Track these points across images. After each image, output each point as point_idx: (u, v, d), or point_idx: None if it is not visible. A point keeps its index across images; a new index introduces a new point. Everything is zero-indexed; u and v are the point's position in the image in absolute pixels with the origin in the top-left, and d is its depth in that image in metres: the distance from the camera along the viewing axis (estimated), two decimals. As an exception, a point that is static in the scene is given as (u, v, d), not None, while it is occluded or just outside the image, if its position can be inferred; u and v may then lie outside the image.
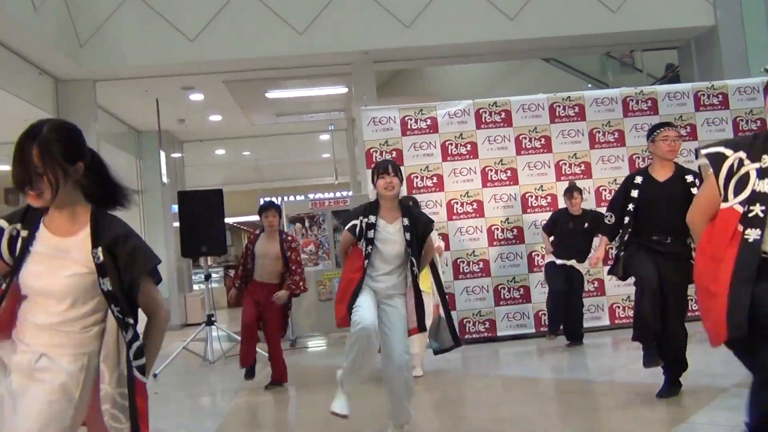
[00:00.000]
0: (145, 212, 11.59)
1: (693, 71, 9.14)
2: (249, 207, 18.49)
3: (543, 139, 7.33)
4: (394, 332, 3.66)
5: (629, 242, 4.29)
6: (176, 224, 9.23)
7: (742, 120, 7.44)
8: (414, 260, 3.73)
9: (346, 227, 3.75)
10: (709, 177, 2.30)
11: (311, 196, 12.81)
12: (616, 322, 7.20)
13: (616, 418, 4.11)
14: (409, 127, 7.30)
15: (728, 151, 2.26)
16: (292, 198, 16.14)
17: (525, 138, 7.30)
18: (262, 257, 5.73)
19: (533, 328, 7.16)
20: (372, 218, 3.72)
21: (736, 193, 2.20)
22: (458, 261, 7.14)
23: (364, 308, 3.55)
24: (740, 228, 2.16)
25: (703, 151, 2.35)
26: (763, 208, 2.14)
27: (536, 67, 11.31)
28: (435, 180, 7.22)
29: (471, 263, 7.20)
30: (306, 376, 6.22)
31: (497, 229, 7.24)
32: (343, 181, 14.62)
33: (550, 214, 6.97)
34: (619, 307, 7.22)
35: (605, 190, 7.26)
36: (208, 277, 7.82)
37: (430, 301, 5.46)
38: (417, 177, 7.22)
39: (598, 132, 7.37)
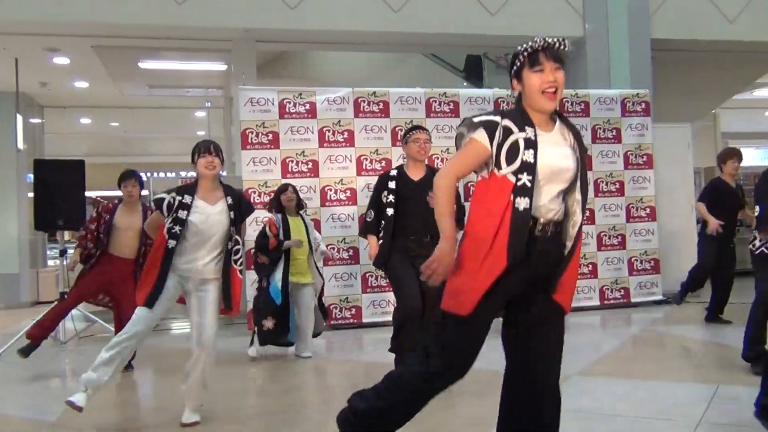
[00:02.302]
0: (-4, 178, 10.76)
1: (561, 79, 9.66)
2: (114, 181, 17.61)
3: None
4: (206, 318, 3.71)
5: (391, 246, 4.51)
6: (31, 194, 8.64)
7: (600, 128, 7.99)
8: (239, 239, 3.80)
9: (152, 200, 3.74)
10: (471, 141, 2.34)
11: (183, 173, 12.40)
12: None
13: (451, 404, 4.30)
14: (287, 110, 7.23)
15: (497, 118, 2.35)
16: (162, 174, 15.54)
17: (401, 130, 7.42)
18: (124, 230, 5.45)
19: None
20: (188, 198, 3.69)
21: (509, 162, 2.29)
22: (329, 247, 7.16)
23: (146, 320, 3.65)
24: (511, 198, 2.26)
25: (475, 120, 2.39)
26: (530, 177, 2.26)
27: (416, 61, 11.55)
28: (310, 165, 7.20)
29: (341, 250, 7.26)
30: (163, 359, 6.05)
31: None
32: (218, 160, 14.24)
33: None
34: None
35: (474, 186, 7.53)
36: (63, 253, 7.35)
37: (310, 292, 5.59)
38: (292, 161, 7.17)
39: (471, 129, 7.63)
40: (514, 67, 2.44)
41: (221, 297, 3.81)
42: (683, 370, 4.96)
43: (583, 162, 2.40)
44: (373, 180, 7.55)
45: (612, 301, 7.95)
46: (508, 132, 2.31)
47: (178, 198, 3.70)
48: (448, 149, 7.54)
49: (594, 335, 6.50)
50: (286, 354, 5.88)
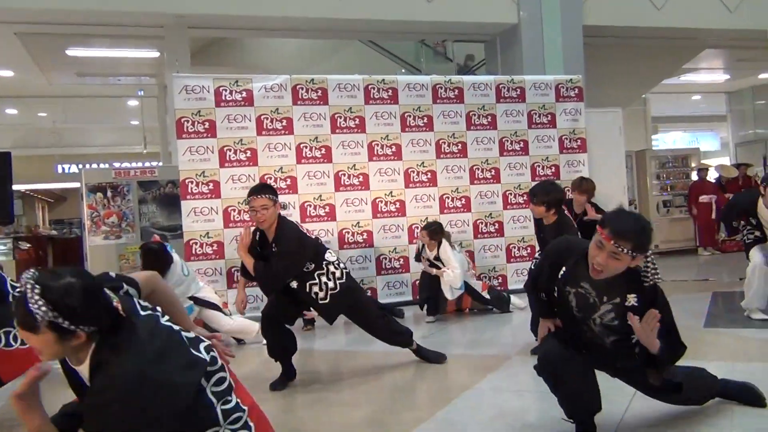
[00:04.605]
0: None
1: (497, 65, 9.82)
2: (44, 173, 17.00)
3: (357, 120, 7.48)
4: None
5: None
6: (-47, 189, 8.25)
7: (536, 113, 8.13)
8: None
9: None
10: None
11: (116, 164, 12.07)
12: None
13: (400, 387, 4.35)
14: (223, 98, 7.09)
15: None
16: (94, 166, 15.08)
17: (340, 117, 7.40)
18: None
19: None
20: None
21: None
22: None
23: None
24: None
25: None
26: None
27: (354, 48, 11.51)
28: (249, 154, 7.09)
29: (282, 239, 7.20)
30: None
31: (309, 206, 7.29)
32: (153, 150, 13.91)
33: (360, 192, 7.23)
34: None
35: (413, 172, 7.59)
36: (-10, 248, 7.08)
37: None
38: (230, 150, 7.05)
39: (409, 116, 7.67)
40: None
41: None
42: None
43: None
44: (313, 168, 7.61)
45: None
46: None
47: None
48: (387, 136, 7.56)
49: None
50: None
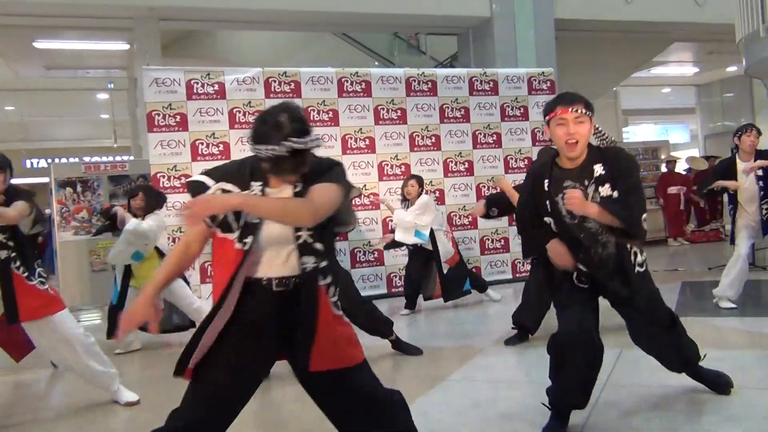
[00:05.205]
0: None
1: (470, 58, 9.86)
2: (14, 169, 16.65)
3: (331, 113, 7.46)
4: None
5: None
6: None
7: (509, 106, 8.18)
8: (10, 244, 3.65)
9: None
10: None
11: (86, 159, 11.89)
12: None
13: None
14: (195, 91, 7.02)
15: (210, 181, 2.18)
16: (63, 160, 14.84)
17: (314, 110, 7.37)
18: None
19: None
20: None
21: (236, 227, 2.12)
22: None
23: None
24: (237, 246, 2.10)
25: (187, 180, 2.30)
26: (250, 238, 2.09)
27: (327, 41, 11.46)
28: (221, 148, 7.04)
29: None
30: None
31: (283, 199, 7.26)
32: (124, 144, 13.73)
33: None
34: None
35: (387, 165, 7.60)
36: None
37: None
38: (202, 144, 6.99)
39: (383, 109, 7.67)
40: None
41: (44, 298, 3.67)
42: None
43: None
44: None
45: (524, 274, 8.19)
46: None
47: None
48: (360, 129, 7.55)
49: (507, 307, 6.67)
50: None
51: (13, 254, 3.62)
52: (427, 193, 6.52)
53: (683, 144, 19.94)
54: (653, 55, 13.16)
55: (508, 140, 8.16)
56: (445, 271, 6.24)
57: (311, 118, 7.32)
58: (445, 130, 7.91)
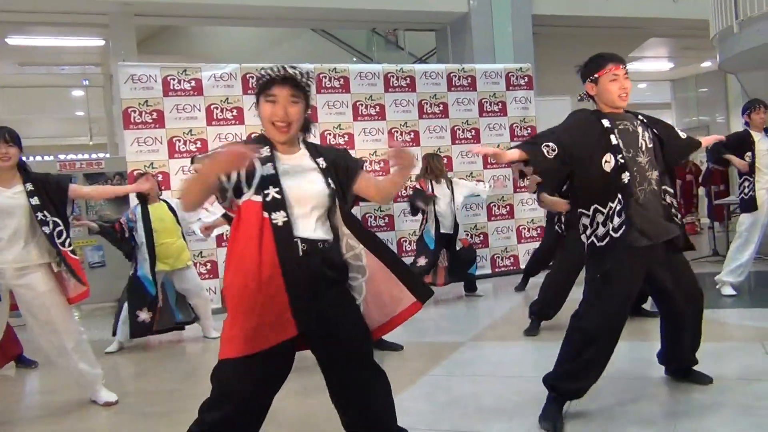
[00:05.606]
0: None
1: (448, 54, 9.86)
2: (-14, 167, 16.38)
3: (309, 109, 7.40)
4: (51, 315, 3.66)
5: None
6: None
7: (487, 102, 8.21)
8: (57, 221, 3.65)
9: None
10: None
11: (61, 156, 11.71)
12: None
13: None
14: (171, 87, 6.95)
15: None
16: (39, 158, 14.62)
17: (292, 106, 7.32)
18: None
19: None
20: None
21: (248, 185, 2.18)
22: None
23: None
24: (265, 215, 2.14)
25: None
26: (277, 189, 2.16)
27: (306, 37, 11.40)
28: (199, 144, 6.98)
29: (235, 230, 7.12)
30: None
31: (262, 196, 7.22)
32: (100, 141, 13.57)
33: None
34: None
35: (367, 161, 7.58)
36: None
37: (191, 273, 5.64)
38: (179, 141, 6.92)
39: (362, 105, 7.65)
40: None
41: (59, 285, 3.65)
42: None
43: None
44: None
45: (503, 269, 8.26)
46: None
47: None
48: (339, 125, 7.53)
49: (487, 302, 6.73)
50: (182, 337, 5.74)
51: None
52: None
53: (659, 139, 20.09)
54: (630, 50, 13.25)
55: (487, 136, 8.18)
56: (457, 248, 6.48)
57: (290, 115, 7.31)
58: (423, 126, 7.92)
